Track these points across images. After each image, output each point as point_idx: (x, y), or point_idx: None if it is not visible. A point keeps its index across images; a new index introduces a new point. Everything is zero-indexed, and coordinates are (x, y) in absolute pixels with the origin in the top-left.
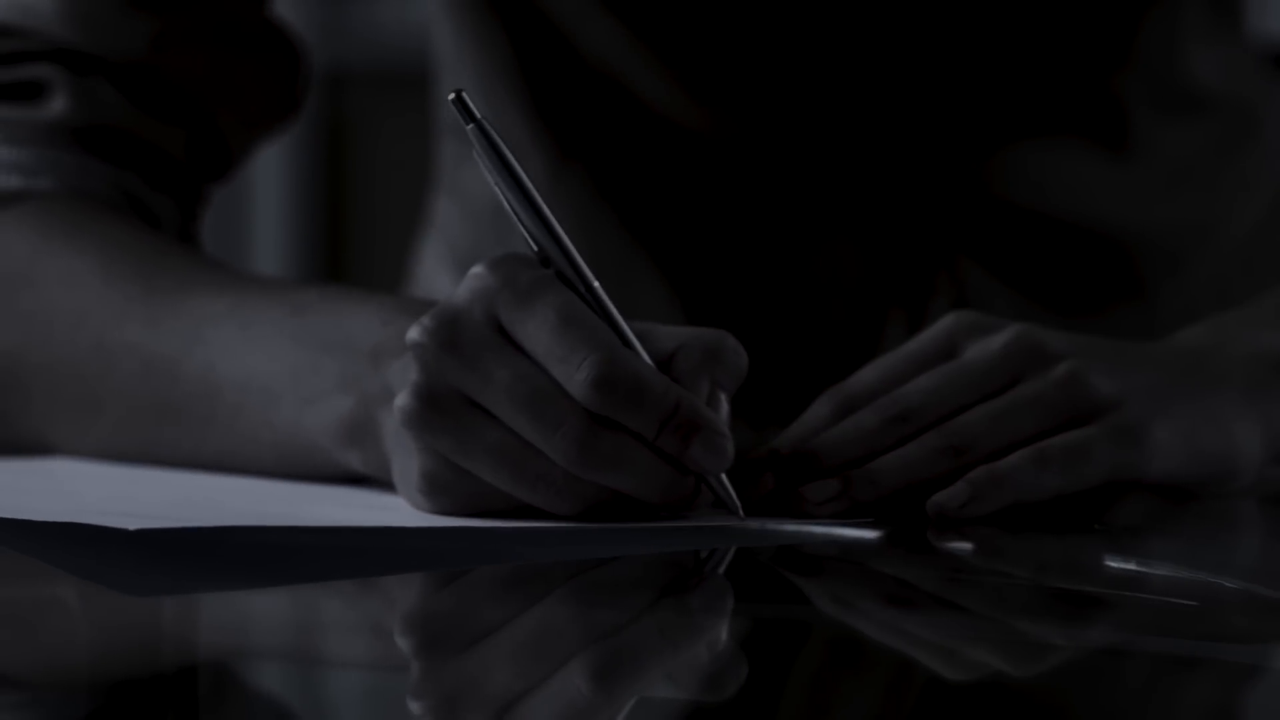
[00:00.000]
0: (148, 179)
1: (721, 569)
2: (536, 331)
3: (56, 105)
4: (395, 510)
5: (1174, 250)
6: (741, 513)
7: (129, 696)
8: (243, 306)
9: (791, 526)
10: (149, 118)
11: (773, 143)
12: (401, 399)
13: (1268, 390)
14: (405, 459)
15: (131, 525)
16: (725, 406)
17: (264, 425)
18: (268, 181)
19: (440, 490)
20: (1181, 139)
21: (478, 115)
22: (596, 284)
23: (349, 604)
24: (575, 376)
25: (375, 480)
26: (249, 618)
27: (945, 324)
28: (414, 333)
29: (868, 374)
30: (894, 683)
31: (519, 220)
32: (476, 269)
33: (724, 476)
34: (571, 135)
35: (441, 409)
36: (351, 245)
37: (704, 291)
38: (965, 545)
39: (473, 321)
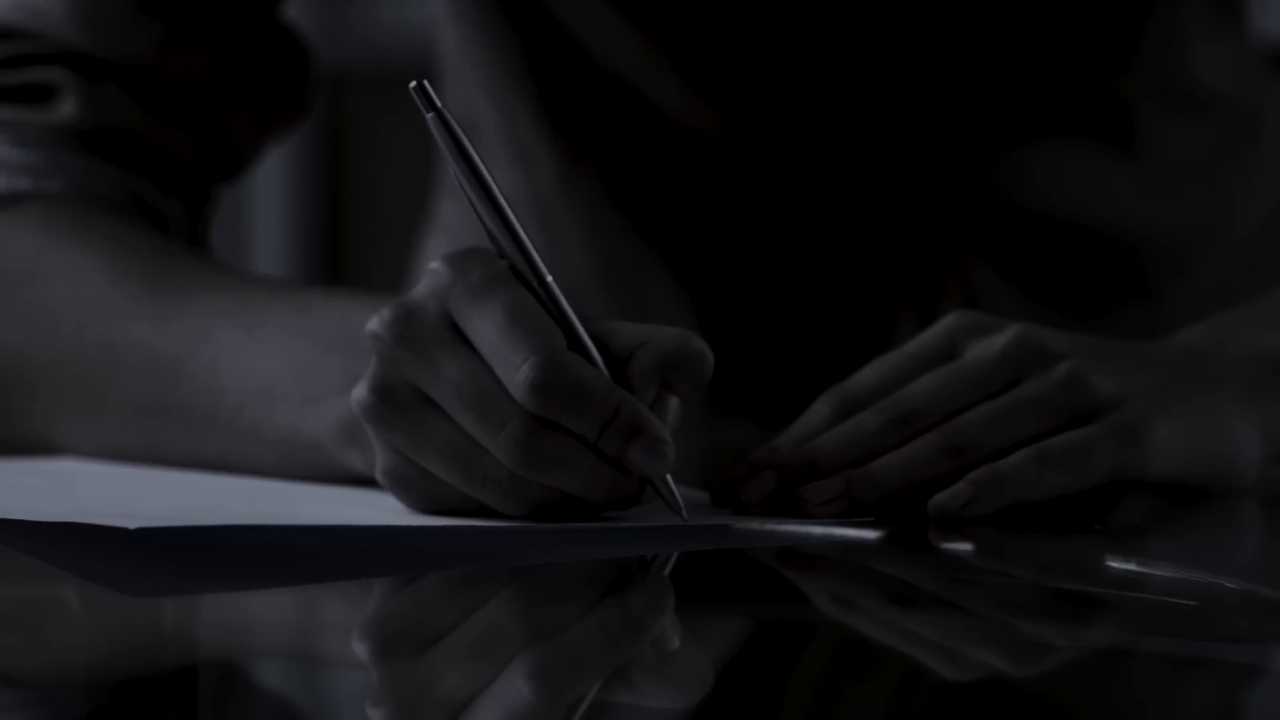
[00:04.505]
0: (156, 183)
1: (667, 570)
2: (484, 329)
3: (65, 108)
4: (395, 510)
5: (1180, 250)
6: (684, 515)
7: (129, 696)
8: (248, 306)
9: (791, 526)
10: (157, 122)
11: (783, 146)
12: (358, 391)
13: (1268, 390)
14: (376, 454)
15: (132, 525)
16: (674, 409)
17: (266, 424)
18: (268, 181)
19: (402, 486)
20: (1187, 139)
21: (438, 104)
22: (550, 278)
23: (343, 605)
24: (515, 378)
25: (375, 481)
26: (249, 618)
27: (946, 324)
28: (372, 324)
29: (868, 374)
30: (895, 683)
31: (476, 212)
32: (435, 264)
33: (668, 478)
34: (582, 138)
35: (396, 403)
36: (351, 245)
37: (714, 294)
38: (966, 545)
39: (427, 316)
